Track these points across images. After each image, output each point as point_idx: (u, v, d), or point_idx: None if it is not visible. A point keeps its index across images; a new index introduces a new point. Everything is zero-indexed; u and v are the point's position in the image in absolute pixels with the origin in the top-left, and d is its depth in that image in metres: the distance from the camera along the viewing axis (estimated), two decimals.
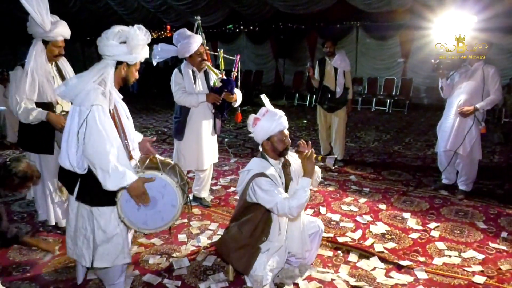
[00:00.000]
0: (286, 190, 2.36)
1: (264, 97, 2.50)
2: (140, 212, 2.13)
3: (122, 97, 2.22)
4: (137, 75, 2.21)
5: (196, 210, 3.75)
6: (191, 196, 3.82)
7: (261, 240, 2.35)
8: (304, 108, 9.92)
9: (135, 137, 2.27)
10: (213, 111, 3.55)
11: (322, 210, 3.72)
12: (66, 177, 2.12)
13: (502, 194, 4.03)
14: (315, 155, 2.25)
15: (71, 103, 2.09)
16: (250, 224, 2.35)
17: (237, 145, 6.20)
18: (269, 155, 2.36)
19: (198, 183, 3.85)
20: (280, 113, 2.37)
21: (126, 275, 2.65)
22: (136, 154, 2.26)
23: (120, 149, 2.05)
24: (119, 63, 2.11)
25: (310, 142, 2.29)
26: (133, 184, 2.03)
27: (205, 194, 3.89)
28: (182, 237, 3.23)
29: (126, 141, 2.12)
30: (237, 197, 3.85)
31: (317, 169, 2.43)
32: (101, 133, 1.97)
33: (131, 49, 2.06)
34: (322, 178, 4.57)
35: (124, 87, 2.24)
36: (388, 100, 9.47)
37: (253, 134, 2.37)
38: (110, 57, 2.08)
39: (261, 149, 2.40)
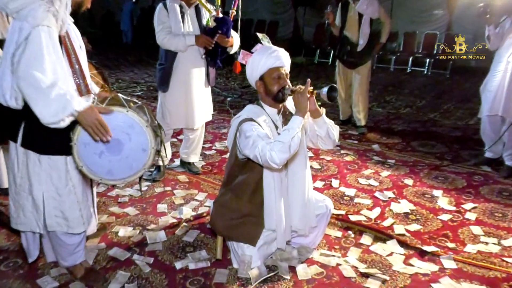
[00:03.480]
0: None
1: (263, 37, 2.33)
2: (103, 159, 2.01)
3: (73, 20, 2.09)
4: (90, 3, 2.12)
5: (182, 177, 3.67)
6: (167, 153, 3.68)
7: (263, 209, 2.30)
8: (326, 66, 9.70)
9: (87, 70, 2.14)
10: (204, 57, 3.37)
11: (335, 183, 3.61)
12: (7, 119, 1.97)
13: None
14: (311, 89, 2.10)
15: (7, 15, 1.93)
16: (246, 187, 2.27)
17: (241, 105, 6.09)
18: (265, 101, 2.28)
19: (187, 145, 3.74)
20: (278, 49, 2.23)
21: (89, 248, 2.58)
22: (92, 88, 2.17)
23: (69, 82, 1.91)
24: None
25: (309, 79, 2.13)
26: (85, 110, 1.85)
27: (194, 159, 3.79)
28: (162, 207, 3.15)
29: (79, 75, 1.96)
30: None
31: (328, 121, 2.28)
32: (43, 58, 1.80)
33: None
34: (338, 146, 4.44)
35: (76, 17, 2.11)
36: (428, 60, 9.13)
37: (247, 74, 2.29)
38: None
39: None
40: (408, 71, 9.24)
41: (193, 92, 3.43)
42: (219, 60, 3.44)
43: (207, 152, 4.27)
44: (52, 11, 1.89)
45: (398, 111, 6.10)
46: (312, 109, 2.20)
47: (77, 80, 1.99)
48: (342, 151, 4.37)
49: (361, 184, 3.61)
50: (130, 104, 2.08)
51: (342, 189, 3.50)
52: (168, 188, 3.44)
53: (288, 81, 2.22)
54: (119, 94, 2.16)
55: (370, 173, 3.83)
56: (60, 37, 1.92)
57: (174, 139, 4.54)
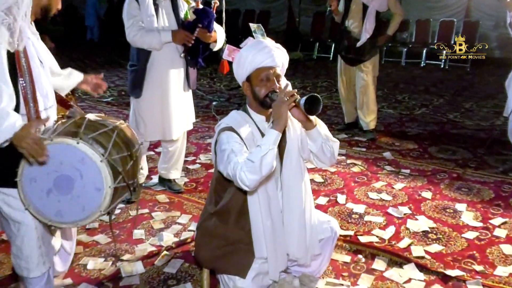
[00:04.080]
0: (281, 160, 2.23)
1: (256, 28, 2.34)
2: (52, 198, 2.00)
3: (37, 33, 2.10)
4: (60, 4, 2.13)
5: (162, 197, 3.66)
6: (144, 169, 3.70)
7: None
8: (326, 62, 9.76)
9: (50, 92, 2.13)
10: (183, 55, 3.37)
11: (341, 198, 3.62)
12: None
13: None
14: (294, 97, 2.05)
15: None
16: (231, 209, 2.25)
17: (229, 111, 6.07)
18: (252, 106, 2.25)
19: (166, 159, 3.74)
20: (272, 44, 2.23)
21: (55, 286, 2.55)
22: (51, 115, 2.13)
23: (11, 103, 1.89)
24: None
25: (295, 90, 2.12)
26: (20, 132, 1.83)
27: (175, 175, 3.80)
28: (138, 233, 3.14)
29: (31, 99, 1.97)
30: None
31: (324, 132, 2.26)
32: None
33: None
34: (343, 155, 4.46)
35: (43, 22, 2.14)
36: (444, 52, 9.21)
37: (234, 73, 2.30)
38: None
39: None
40: (422, 65, 9.33)
41: (170, 98, 3.43)
42: (201, 59, 3.45)
43: (190, 167, 4.26)
44: (7, 23, 1.89)
45: (412, 112, 6.14)
46: (300, 120, 2.19)
47: (29, 105, 1.98)
48: (349, 161, 4.38)
49: (371, 199, 3.62)
50: (89, 132, 2.04)
51: (349, 206, 3.50)
52: (145, 211, 3.42)
53: (281, 83, 2.19)
54: (89, 116, 2.12)
55: (381, 186, 3.84)
56: (13, 54, 1.92)
57: (151, 152, 4.53)
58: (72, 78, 2.40)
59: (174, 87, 3.43)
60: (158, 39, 3.25)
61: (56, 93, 2.26)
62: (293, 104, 2.03)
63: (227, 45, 2.27)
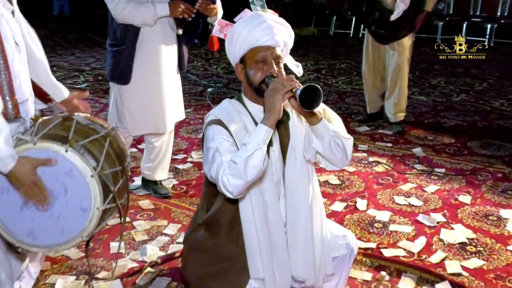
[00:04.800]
0: (284, 159, 2.23)
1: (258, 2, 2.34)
2: (25, 214, 1.98)
3: (13, 8, 2.10)
4: None
5: (145, 203, 3.69)
6: (137, 182, 3.74)
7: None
8: (346, 39, 9.79)
9: (25, 82, 2.09)
10: (180, 32, 3.39)
11: (361, 204, 3.63)
12: None
13: None
14: (290, 85, 2.01)
15: None
16: (222, 219, 2.25)
17: (233, 96, 6.13)
18: (247, 94, 2.23)
19: (151, 156, 3.77)
20: (271, 18, 2.20)
21: None
22: (29, 109, 2.11)
23: None
24: None
25: (291, 76, 2.10)
26: (15, 169, 1.87)
27: (162, 176, 3.83)
28: (116, 246, 3.15)
29: (7, 90, 1.97)
30: None
31: (332, 128, 2.22)
32: None
33: None
34: (364, 151, 4.48)
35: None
36: (489, 26, 9.18)
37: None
38: None
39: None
40: None
41: (162, 82, 3.45)
42: (196, 37, 3.47)
43: (180, 166, 4.28)
44: None
45: (449, 99, 6.14)
46: (301, 113, 2.14)
47: (5, 98, 1.97)
48: (371, 159, 4.39)
49: (398, 204, 3.63)
50: (79, 138, 2.02)
51: (371, 213, 3.52)
52: (126, 219, 3.43)
53: (281, 66, 2.17)
54: (77, 116, 2.10)
55: (410, 189, 3.85)
56: None
57: (133, 149, 4.56)
58: (55, 91, 2.36)
59: (167, 70, 3.45)
60: (153, 13, 3.24)
61: (33, 83, 2.21)
62: (290, 93, 1.98)
63: (219, 19, 2.27)
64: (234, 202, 2.19)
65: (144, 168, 3.81)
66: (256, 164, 1.93)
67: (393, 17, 4.69)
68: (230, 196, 1.99)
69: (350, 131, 5.03)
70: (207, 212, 2.31)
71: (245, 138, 2.12)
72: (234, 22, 2.24)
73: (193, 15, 3.31)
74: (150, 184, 3.82)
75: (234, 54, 2.22)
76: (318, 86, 1.88)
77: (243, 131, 2.15)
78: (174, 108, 3.58)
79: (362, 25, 9.29)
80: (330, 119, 2.21)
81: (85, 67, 8.02)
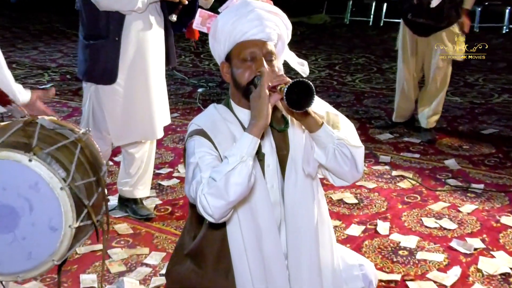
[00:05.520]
0: (282, 175, 2.23)
1: None
2: None
3: None
4: None
5: (122, 227, 3.70)
6: (113, 201, 3.76)
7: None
8: (365, 28, 9.79)
9: None
10: (174, 18, 3.42)
11: (382, 227, 3.63)
12: None
13: None
14: (277, 82, 2.00)
15: None
16: (208, 248, 2.26)
17: (221, 100, 6.14)
18: (235, 98, 2.23)
19: (129, 170, 3.77)
20: (261, 7, 2.20)
21: None
22: None
23: None
24: None
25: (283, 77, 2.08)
26: None
27: (143, 193, 3.84)
28: (88, 279, 3.16)
29: None
30: None
31: (337, 135, 2.21)
32: None
33: None
34: (386, 163, 4.47)
35: None
36: None
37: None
38: None
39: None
40: (503, 31, 9.36)
41: (151, 81, 3.48)
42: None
43: (165, 183, 4.28)
44: None
45: (488, 100, 6.12)
46: (296, 118, 2.13)
47: None
48: (395, 173, 4.38)
49: (427, 227, 3.62)
50: (44, 145, 2.02)
51: (395, 238, 3.52)
52: (98, 246, 3.41)
53: (274, 64, 2.15)
54: (41, 120, 2.10)
55: (442, 208, 3.85)
56: None
57: (109, 162, 4.56)
58: (13, 93, 2.38)
59: (155, 65, 3.49)
60: None
61: None
62: (279, 94, 1.95)
63: (199, 9, 2.25)
64: (221, 228, 2.19)
65: (122, 184, 3.81)
66: (239, 181, 1.91)
67: (434, 3, 4.70)
68: (211, 220, 1.97)
69: (370, 139, 5.07)
70: (194, 239, 2.33)
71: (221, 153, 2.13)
72: (218, 13, 2.25)
73: None
74: (128, 204, 3.82)
75: (218, 51, 2.23)
76: (309, 81, 1.88)
77: (231, 142, 2.14)
78: (162, 111, 3.62)
79: (384, 12, 9.37)
80: (336, 124, 2.20)
81: (50, 64, 8.02)
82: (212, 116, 2.21)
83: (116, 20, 3.32)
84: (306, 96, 1.88)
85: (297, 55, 2.43)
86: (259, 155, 2.18)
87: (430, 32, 4.83)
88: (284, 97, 1.88)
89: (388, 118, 5.37)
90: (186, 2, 3.35)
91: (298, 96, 1.89)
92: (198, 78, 7.19)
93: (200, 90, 6.64)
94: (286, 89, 1.87)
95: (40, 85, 6.91)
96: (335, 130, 2.15)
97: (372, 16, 10.02)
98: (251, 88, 2.09)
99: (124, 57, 3.39)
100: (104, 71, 3.40)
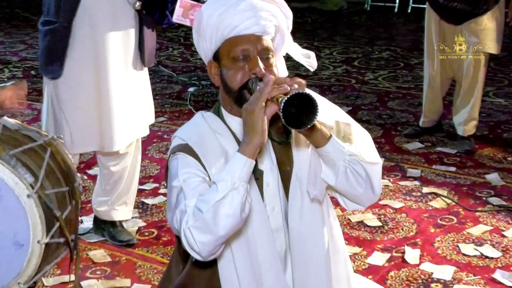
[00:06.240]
0: (286, 194, 2.21)
1: None
2: None
3: None
4: None
5: (98, 253, 3.70)
6: (86, 224, 3.77)
7: None
8: (388, 16, 9.80)
9: None
10: (138, 6, 3.42)
11: (411, 254, 3.63)
12: None
13: None
14: (276, 93, 1.93)
15: None
16: (196, 286, 2.26)
17: (215, 102, 6.15)
18: (226, 104, 2.22)
19: (106, 187, 3.80)
20: None
21: None
22: None
23: None
24: None
25: (271, 76, 2.05)
26: None
27: (123, 215, 3.85)
28: None
29: None
30: None
31: (348, 149, 2.18)
32: None
33: None
34: (415, 178, 4.47)
35: None
36: None
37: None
38: None
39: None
40: None
41: (110, 79, 3.48)
42: (168, 11, 3.50)
43: (149, 201, 4.29)
44: None
45: None
46: (300, 132, 2.13)
47: None
48: (426, 189, 4.38)
49: (465, 255, 3.62)
50: (8, 147, 2.06)
51: (426, 268, 3.52)
52: (70, 278, 3.41)
53: (272, 64, 2.12)
54: (7, 120, 2.14)
55: (483, 233, 3.84)
56: None
57: (83, 176, 4.57)
58: None
59: (118, 62, 3.49)
60: None
61: None
62: (275, 105, 1.90)
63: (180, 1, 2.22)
64: (210, 264, 2.17)
65: (98, 203, 3.82)
66: (230, 212, 1.89)
67: None
68: (198, 257, 1.96)
69: (396, 149, 5.07)
70: (175, 276, 2.33)
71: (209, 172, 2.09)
72: (203, 3, 2.24)
73: None
74: (105, 227, 3.83)
75: (204, 48, 2.22)
76: (310, 94, 1.80)
77: (222, 160, 2.13)
78: (131, 118, 3.61)
79: None
80: (348, 136, 2.13)
81: (11, 57, 8.04)
82: (199, 127, 2.20)
83: (67, 2, 3.35)
84: (307, 111, 1.83)
85: (308, 48, 2.36)
86: (256, 173, 2.14)
87: (464, 19, 4.83)
88: (281, 113, 1.81)
89: (417, 124, 5.37)
90: None
91: (298, 110, 1.84)
92: (188, 75, 7.18)
93: (191, 89, 6.65)
94: (284, 101, 1.80)
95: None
96: (346, 144, 2.08)
97: (397, 1, 10.03)
98: (245, 94, 2.07)
99: (75, 47, 3.41)
100: (51, 61, 3.44)
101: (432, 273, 3.47)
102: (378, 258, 3.61)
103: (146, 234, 3.93)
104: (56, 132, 3.49)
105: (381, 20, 9.76)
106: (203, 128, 2.19)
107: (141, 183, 4.12)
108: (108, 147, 3.56)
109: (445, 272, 3.46)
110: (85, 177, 4.61)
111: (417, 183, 4.49)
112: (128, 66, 3.55)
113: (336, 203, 2.30)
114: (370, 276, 3.33)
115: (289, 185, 2.17)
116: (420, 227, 3.93)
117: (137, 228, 3.97)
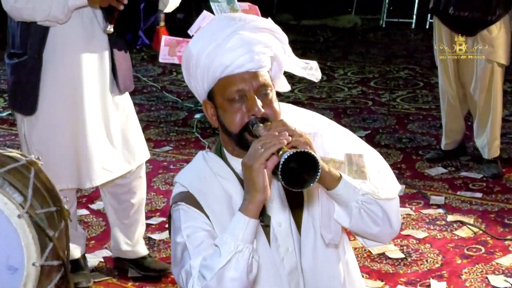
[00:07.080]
0: (299, 231, 2.20)
1: None
2: None
3: None
4: None
5: None
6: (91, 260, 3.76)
7: None
8: (405, 34, 9.81)
9: None
10: (110, 29, 3.40)
11: (437, 287, 3.62)
12: None
13: None
14: (276, 147, 1.91)
15: None
16: None
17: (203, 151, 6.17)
18: (227, 146, 2.20)
19: (124, 221, 3.80)
20: (243, 25, 2.14)
21: None
22: None
23: None
24: None
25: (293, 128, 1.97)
26: None
27: (144, 248, 3.87)
28: None
29: None
30: None
31: (361, 187, 2.15)
32: None
33: None
34: (438, 206, 4.47)
35: None
36: None
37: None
38: None
39: None
40: None
41: (86, 111, 3.48)
42: (142, 32, 3.53)
43: (156, 236, 4.29)
44: None
45: None
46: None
47: None
48: (451, 218, 4.35)
49: (495, 287, 3.61)
50: None
51: None
52: None
53: (272, 100, 2.07)
54: None
55: None
56: None
57: (83, 211, 4.57)
58: None
59: (94, 93, 3.50)
60: (63, 3, 3.29)
61: None
62: (275, 158, 1.84)
63: (164, 37, 2.18)
64: None
65: (120, 243, 3.82)
66: (236, 276, 1.89)
67: None
68: None
69: (417, 175, 5.05)
70: None
71: (231, 214, 2.06)
72: (189, 37, 2.20)
73: (126, 1, 3.33)
74: (133, 263, 3.82)
75: (196, 88, 2.21)
76: (311, 152, 1.75)
77: (226, 207, 2.13)
78: (113, 148, 3.62)
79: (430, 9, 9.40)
80: (361, 169, 2.09)
81: None
82: (201, 171, 2.18)
83: (36, 34, 3.38)
84: (308, 168, 1.79)
85: (320, 68, 2.30)
86: (264, 220, 2.14)
87: (477, 28, 4.82)
88: (279, 170, 1.77)
89: (439, 147, 5.36)
90: (121, 7, 3.32)
91: (299, 166, 1.80)
92: (194, 100, 7.15)
93: (197, 116, 6.56)
94: (284, 157, 1.75)
95: None
96: (358, 181, 2.04)
97: (414, 16, 10.05)
98: (246, 136, 2.04)
99: (47, 81, 3.42)
100: (24, 98, 3.46)
101: None
102: None
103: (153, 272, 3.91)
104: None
105: (397, 37, 9.79)
106: (205, 172, 2.17)
107: (147, 217, 4.11)
108: (85, 183, 3.59)
109: None
110: (87, 212, 4.61)
111: (441, 211, 4.47)
112: (105, 95, 3.57)
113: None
114: None
115: (301, 223, 2.17)
116: (446, 258, 3.90)
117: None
